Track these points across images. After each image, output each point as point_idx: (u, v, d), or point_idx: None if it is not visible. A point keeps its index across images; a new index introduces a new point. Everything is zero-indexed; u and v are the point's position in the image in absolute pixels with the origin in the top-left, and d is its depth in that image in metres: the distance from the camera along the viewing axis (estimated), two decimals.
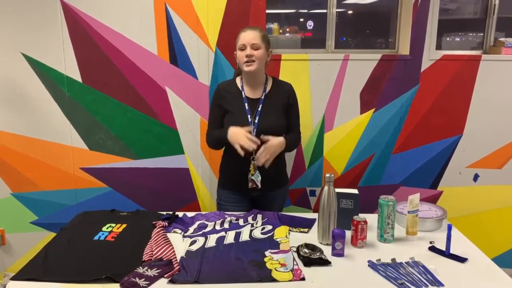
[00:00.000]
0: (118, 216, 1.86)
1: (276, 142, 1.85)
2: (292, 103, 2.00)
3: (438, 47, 2.59)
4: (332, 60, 2.49)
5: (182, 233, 1.69)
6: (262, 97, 1.95)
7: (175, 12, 2.38)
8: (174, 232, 1.71)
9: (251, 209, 1.94)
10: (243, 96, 1.95)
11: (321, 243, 1.60)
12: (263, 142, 1.83)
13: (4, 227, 2.65)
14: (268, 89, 1.97)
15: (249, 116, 1.91)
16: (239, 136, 1.81)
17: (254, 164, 1.88)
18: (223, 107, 1.96)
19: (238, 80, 2.01)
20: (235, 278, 1.36)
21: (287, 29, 2.72)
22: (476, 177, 2.67)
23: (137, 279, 1.32)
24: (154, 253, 1.49)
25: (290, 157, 2.58)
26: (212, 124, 2.02)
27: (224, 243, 1.60)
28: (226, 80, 2.09)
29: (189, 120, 2.51)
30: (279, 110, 1.95)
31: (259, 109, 1.93)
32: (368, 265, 1.44)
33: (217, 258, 1.48)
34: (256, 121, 1.91)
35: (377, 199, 1.64)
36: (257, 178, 1.88)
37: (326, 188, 1.58)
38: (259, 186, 1.89)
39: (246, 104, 1.94)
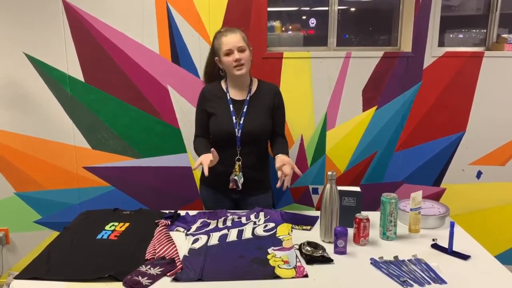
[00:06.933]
0: (121, 215, 1.86)
1: (286, 159, 1.81)
2: (278, 104, 1.97)
3: (441, 43, 2.58)
4: (334, 58, 2.48)
5: (185, 231, 1.70)
6: (247, 99, 1.94)
7: (176, 10, 2.39)
8: (177, 230, 1.71)
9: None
10: (228, 97, 1.95)
11: (323, 241, 1.60)
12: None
13: (8, 226, 2.66)
14: (253, 90, 1.96)
15: (234, 117, 1.91)
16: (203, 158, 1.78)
17: (239, 165, 1.89)
18: (207, 111, 1.96)
19: (222, 83, 2.00)
20: (238, 275, 1.36)
21: (290, 27, 2.71)
22: (479, 174, 2.66)
23: (140, 277, 1.32)
24: (156, 251, 1.49)
25: (292, 155, 2.58)
26: (198, 128, 2.02)
27: (227, 241, 1.60)
28: (211, 83, 2.07)
29: (191, 119, 2.48)
30: (265, 111, 1.94)
31: (244, 110, 1.92)
32: (371, 263, 1.44)
33: (220, 256, 1.48)
34: (241, 122, 1.90)
35: (380, 196, 1.64)
36: (239, 179, 1.89)
37: (328, 186, 1.58)
38: (240, 187, 1.89)
39: (231, 105, 1.93)
